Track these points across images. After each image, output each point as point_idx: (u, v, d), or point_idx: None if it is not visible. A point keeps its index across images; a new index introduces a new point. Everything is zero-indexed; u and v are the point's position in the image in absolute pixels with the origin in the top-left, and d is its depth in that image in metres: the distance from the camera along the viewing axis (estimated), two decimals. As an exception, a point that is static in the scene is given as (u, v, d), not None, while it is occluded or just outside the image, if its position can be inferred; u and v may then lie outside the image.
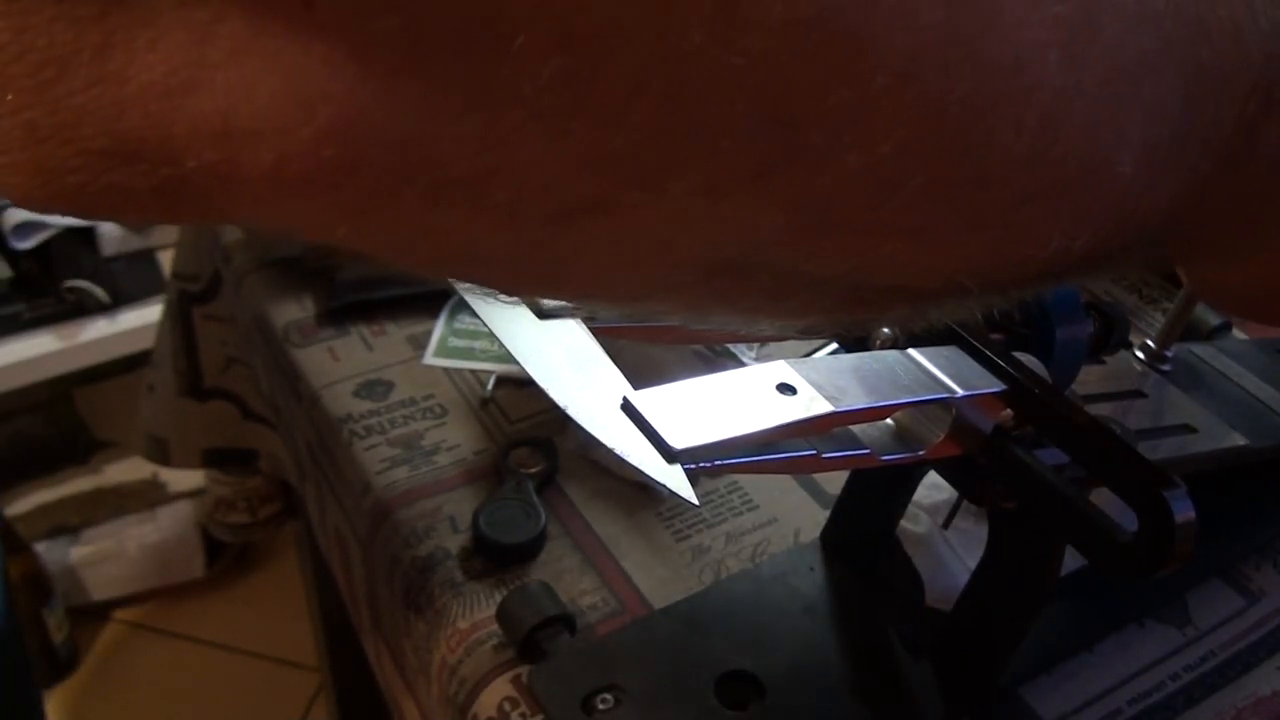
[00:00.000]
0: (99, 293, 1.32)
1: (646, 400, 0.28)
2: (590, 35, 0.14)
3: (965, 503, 0.47)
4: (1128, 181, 0.19)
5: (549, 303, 0.33)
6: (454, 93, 0.15)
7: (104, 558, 1.46)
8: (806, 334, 0.40)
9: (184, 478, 1.45)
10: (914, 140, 0.16)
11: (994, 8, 0.16)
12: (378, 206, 0.16)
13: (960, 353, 0.35)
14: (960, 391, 0.33)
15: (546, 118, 0.15)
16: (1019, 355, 0.36)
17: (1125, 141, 0.19)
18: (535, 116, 0.15)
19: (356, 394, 0.64)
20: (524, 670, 0.48)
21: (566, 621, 0.48)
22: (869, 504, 0.50)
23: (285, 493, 1.03)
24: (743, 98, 0.15)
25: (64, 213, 0.17)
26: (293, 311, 0.71)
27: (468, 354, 0.68)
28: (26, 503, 1.47)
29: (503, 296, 0.21)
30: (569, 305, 0.33)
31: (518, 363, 0.32)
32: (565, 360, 0.32)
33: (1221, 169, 0.22)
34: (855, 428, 0.34)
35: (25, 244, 1.28)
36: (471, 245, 0.17)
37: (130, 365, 1.36)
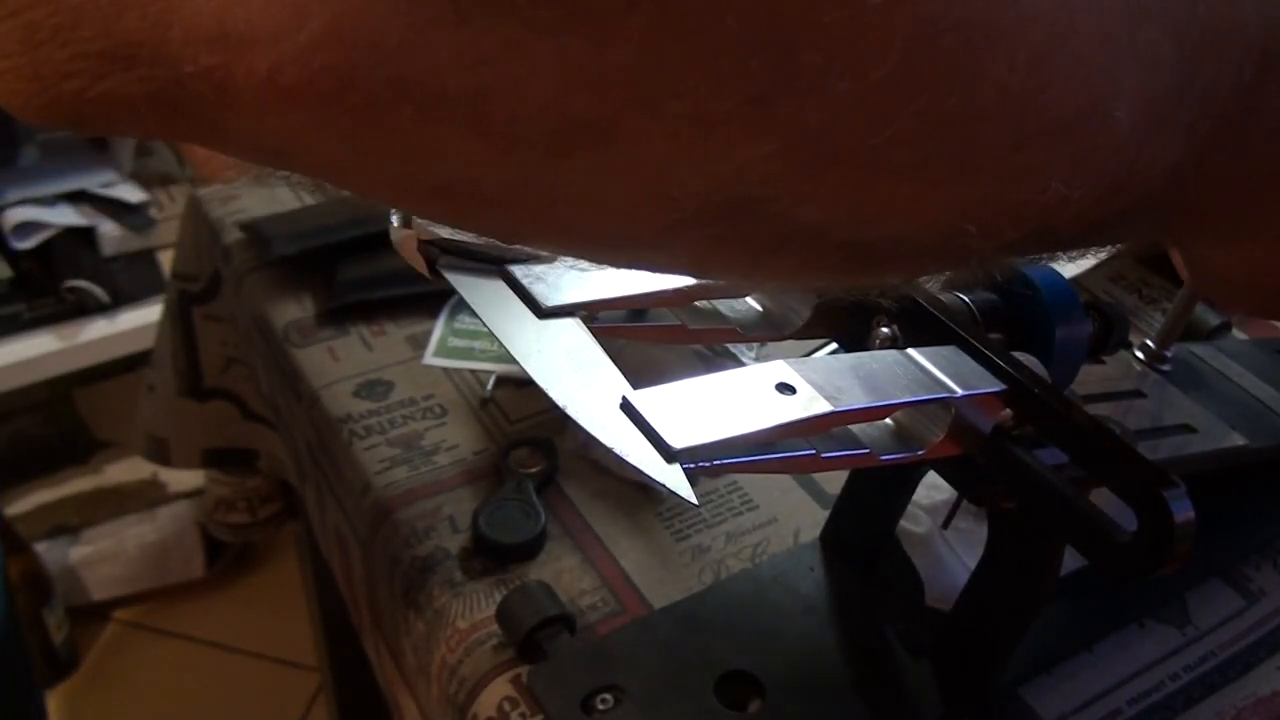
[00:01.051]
0: (99, 293, 1.32)
1: (646, 400, 0.28)
2: None
3: (965, 503, 0.47)
4: (1124, 133, 0.19)
5: (549, 303, 0.33)
6: (447, 1, 0.15)
7: (104, 558, 1.46)
8: (811, 330, 0.40)
9: (184, 478, 1.45)
10: (906, 69, 0.16)
11: None
12: (372, 123, 0.16)
13: (959, 353, 0.35)
14: (960, 391, 0.33)
15: (541, 31, 0.15)
16: (1019, 355, 0.36)
17: (1121, 90, 0.19)
18: (530, 29, 0.15)
19: (356, 394, 0.64)
20: (524, 670, 0.48)
21: (566, 621, 0.48)
22: (869, 504, 0.50)
23: (285, 493, 1.03)
24: (735, 15, 0.15)
25: (61, 124, 0.17)
26: (293, 311, 0.72)
27: (467, 354, 0.68)
28: (26, 503, 1.47)
29: (498, 242, 0.21)
30: (569, 303, 0.33)
31: (517, 363, 0.32)
32: (565, 360, 0.32)
33: (1220, 132, 0.22)
34: (855, 427, 0.34)
35: (25, 244, 1.29)
36: (468, 173, 0.17)
37: (130, 365, 1.36)
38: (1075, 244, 0.24)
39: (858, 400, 0.30)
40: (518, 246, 0.34)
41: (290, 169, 0.18)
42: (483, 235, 0.21)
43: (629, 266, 0.31)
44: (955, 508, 0.49)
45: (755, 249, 0.20)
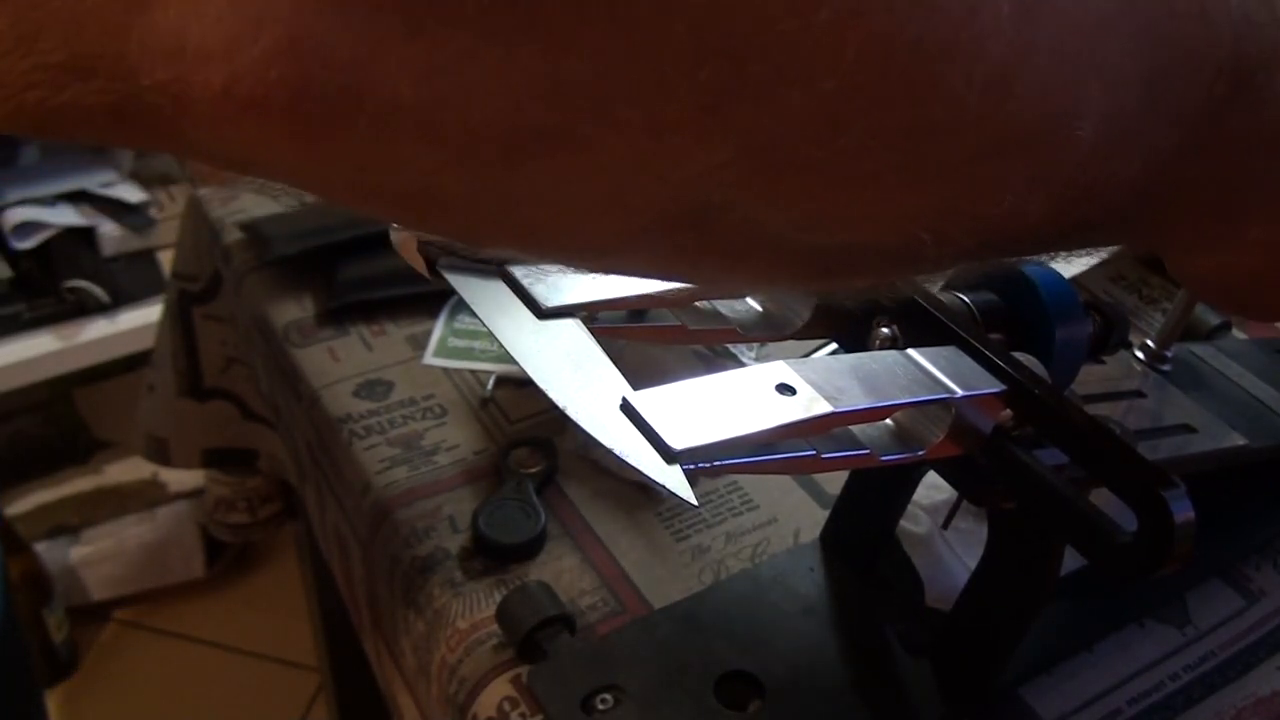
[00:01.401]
0: (99, 293, 1.32)
1: (646, 400, 0.28)
2: None
3: (965, 503, 0.47)
4: (1087, 149, 0.19)
5: (549, 303, 0.33)
6: (399, 13, 0.15)
7: (104, 558, 1.46)
8: (811, 330, 0.40)
9: (184, 478, 1.45)
10: (859, 81, 0.16)
11: None
12: (328, 134, 0.16)
13: (960, 353, 0.35)
14: (960, 392, 0.33)
15: (493, 41, 0.15)
16: (1019, 355, 0.36)
17: (1083, 106, 0.19)
18: (482, 40, 0.15)
19: (356, 394, 0.64)
20: (524, 670, 0.48)
21: (566, 621, 0.48)
22: (869, 504, 0.50)
23: (285, 493, 1.03)
24: (685, 24, 0.15)
25: (25, 132, 0.17)
26: (293, 311, 0.72)
27: (467, 354, 0.68)
28: (26, 503, 1.47)
29: (467, 249, 0.21)
30: (569, 304, 0.33)
31: (517, 363, 0.32)
32: (565, 360, 0.32)
33: (1187, 149, 0.21)
34: (855, 428, 0.34)
35: (25, 244, 1.29)
36: (425, 181, 0.17)
37: (130, 365, 1.36)
38: (1036, 251, 0.24)
39: (858, 401, 0.30)
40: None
41: (251, 175, 0.18)
42: (448, 239, 0.21)
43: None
44: (955, 508, 0.49)
45: (718, 254, 0.20)
